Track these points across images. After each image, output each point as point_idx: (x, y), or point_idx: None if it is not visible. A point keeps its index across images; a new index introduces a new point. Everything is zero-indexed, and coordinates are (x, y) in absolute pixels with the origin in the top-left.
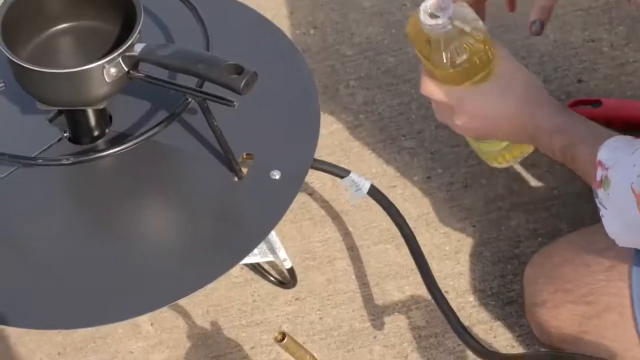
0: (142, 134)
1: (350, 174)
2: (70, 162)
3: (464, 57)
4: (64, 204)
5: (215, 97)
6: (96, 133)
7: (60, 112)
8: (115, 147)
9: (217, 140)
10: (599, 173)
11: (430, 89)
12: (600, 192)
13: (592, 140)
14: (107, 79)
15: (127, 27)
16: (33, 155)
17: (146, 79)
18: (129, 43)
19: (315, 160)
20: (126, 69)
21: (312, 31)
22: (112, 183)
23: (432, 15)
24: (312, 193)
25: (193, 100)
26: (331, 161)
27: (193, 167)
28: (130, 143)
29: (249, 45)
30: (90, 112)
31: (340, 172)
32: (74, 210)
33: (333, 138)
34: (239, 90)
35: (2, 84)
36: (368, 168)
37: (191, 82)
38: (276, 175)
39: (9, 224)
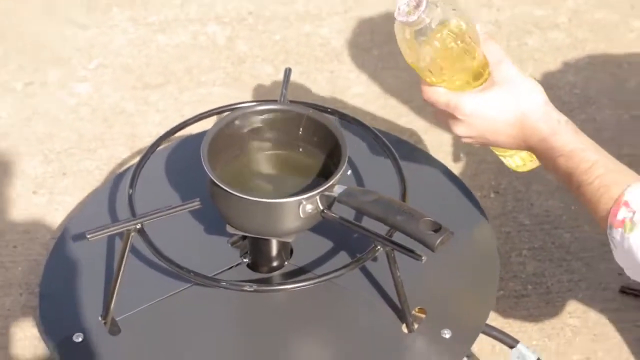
0: (324, 274)
1: (519, 345)
2: (252, 289)
3: (442, 55)
4: (229, 326)
5: (406, 250)
6: (275, 264)
7: (244, 237)
8: (297, 283)
9: (395, 291)
10: (623, 213)
11: (430, 95)
12: (617, 232)
13: (605, 170)
14: (301, 215)
15: (327, 164)
16: (211, 274)
17: (340, 221)
18: (330, 183)
19: (486, 325)
20: (321, 208)
21: (492, 195)
22: (282, 315)
23: (407, 13)
24: (470, 355)
25: (380, 248)
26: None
27: (364, 311)
28: (314, 281)
29: (437, 200)
30: (275, 243)
31: (509, 341)
32: (238, 335)
33: (498, 304)
34: (433, 247)
35: (199, 203)
36: (529, 340)
37: (376, 228)
38: (447, 334)
39: (173, 335)
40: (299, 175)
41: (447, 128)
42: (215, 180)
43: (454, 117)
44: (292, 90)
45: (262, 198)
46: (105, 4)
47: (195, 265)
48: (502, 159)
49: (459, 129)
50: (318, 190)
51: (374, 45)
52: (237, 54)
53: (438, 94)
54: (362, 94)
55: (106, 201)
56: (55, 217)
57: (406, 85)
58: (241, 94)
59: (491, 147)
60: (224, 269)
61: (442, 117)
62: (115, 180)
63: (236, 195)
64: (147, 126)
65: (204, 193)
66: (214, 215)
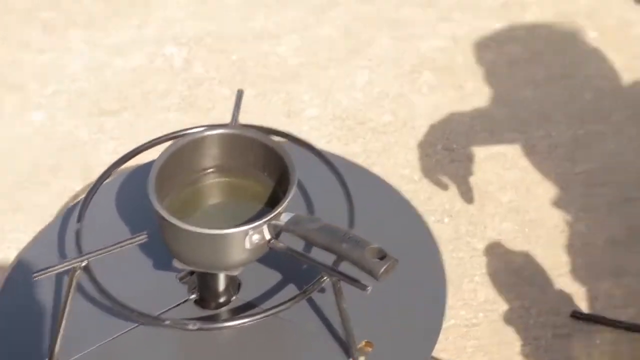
0: (270, 308)
1: None
2: (195, 328)
3: None
4: None
5: (351, 280)
6: (223, 299)
7: (192, 272)
8: (242, 319)
9: (341, 323)
10: None
11: None
12: None
13: None
14: (247, 246)
15: (276, 191)
16: (157, 313)
17: (287, 251)
18: (277, 211)
19: (432, 357)
20: (268, 237)
21: (446, 219)
22: (228, 352)
23: None
24: None
25: (327, 279)
26: (444, 358)
27: (311, 346)
28: (258, 317)
29: (387, 226)
30: (222, 277)
31: None
32: None
33: (448, 334)
34: (377, 276)
35: (145, 236)
36: None
37: (325, 259)
38: None
39: None
40: (250, 203)
41: None
42: (159, 211)
43: None
44: (248, 113)
45: (206, 229)
46: (63, 25)
47: (143, 303)
48: None
49: None
50: (264, 220)
51: (331, 63)
52: (193, 76)
53: None
54: (317, 116)
55: (56, 237)
56: (8, 254)
57: (362, 105)
58: (197, 119)
59: None
60: (172, 306)
61: None
62: (66, 214)
63: (178, 226)
64: (100, 155)
65: (154, 225)
66: (164, 249)
